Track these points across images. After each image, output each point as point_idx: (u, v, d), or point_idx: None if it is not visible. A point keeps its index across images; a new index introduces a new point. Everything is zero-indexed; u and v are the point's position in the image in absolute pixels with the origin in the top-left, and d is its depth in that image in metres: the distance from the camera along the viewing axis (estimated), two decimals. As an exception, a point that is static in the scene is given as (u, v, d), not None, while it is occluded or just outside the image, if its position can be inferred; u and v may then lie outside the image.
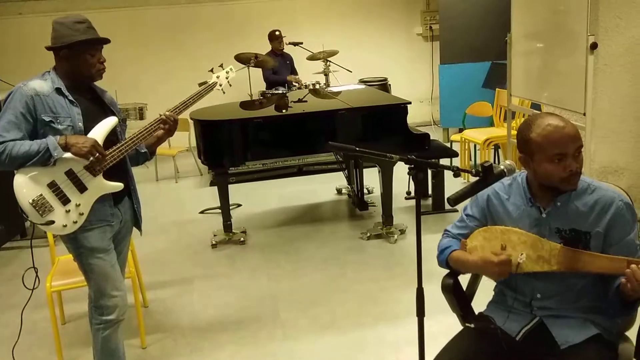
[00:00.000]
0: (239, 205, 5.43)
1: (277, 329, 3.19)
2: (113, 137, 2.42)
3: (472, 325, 1.93)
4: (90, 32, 2.32)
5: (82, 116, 2.33)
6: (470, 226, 1.95)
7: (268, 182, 6.25)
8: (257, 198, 5.67)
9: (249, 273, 3.96)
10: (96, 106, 2.45)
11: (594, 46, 3.60)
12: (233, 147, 4.18)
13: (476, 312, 2.03)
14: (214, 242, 4.47)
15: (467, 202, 1.94)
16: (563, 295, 1.81)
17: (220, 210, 4.55)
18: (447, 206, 4.86)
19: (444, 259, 1.97)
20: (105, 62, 2.40)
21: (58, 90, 2.31)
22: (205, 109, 4.71)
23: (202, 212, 5.30)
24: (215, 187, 4.56)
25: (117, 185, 2.40)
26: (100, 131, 2.35)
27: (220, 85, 2.78)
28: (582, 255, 1.67)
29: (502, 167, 1.79)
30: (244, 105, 5.00)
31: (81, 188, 2.30)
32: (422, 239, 1.68)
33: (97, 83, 2.48)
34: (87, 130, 2.33)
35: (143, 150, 2.57)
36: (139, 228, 2.71)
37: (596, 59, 3.91)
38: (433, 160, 4.36)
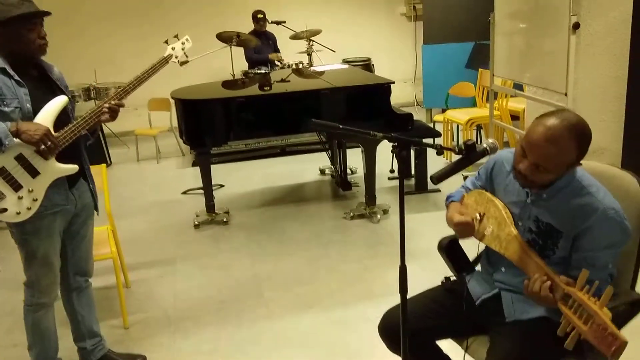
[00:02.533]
0: (222, 185, 5.40)
1: (261, 308, 3.20)
2: (64, 117, 2.30)
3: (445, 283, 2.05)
4: (25, 6, 2.15)
5: (29, 97, 2.21)
6: (476, 184, 2.03)
7: (251, 162, 6.22)
8: (240, 179, 5.64)
9: (232, 253, 3.96)
10: (44, 85, 2.32)
11: (576, 26, 3.61)
12: (215, 126, 4.13)
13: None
14: (196, 223, 4.45)
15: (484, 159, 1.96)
16: (525, 275, 1.82)
17: (202, 191, 4.52)
18: (430, 186, 4.89)
19: (446, 205, 2.06)
20: (47, 36, 2.24)
21: (3, 71, 2.17)
22: (187, 88, 4.65)
23: (184, 193, 5.26)
24: (198, 168, 4.52)
25: (72, 168, 2.30)
26: (49, 112, 2.23)
27: (176, 58, 2.61)
28: (525, 252, 1.67)
29: (484, 145, 1.79)
30: (226, 84, 4.94)
31: (33, 173, 2.20)
32: (405, 218, 1.68)
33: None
34: (35, 111, 2.21)
35: (84, 132, 2.40)
36: (96, 209, 2.60)
37: (578, 39, 3.92)
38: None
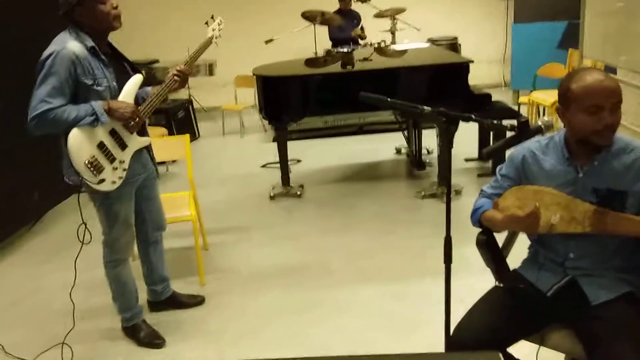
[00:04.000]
0: (299, 160, 5.59)
1: (324, 277, 3.35)
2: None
3: (502, 285, 1.97)
4: None
5: (114, 75, 2.43)
6: (504, 186, 1.97)
7: (329, 139, 6.35)
8: (317, 155, 5.80)
9: (303, 225, 4.13)
10: (119, 62, 2.54)
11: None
12: (292, 102, 4.29)
13: (510, 269, 2.05)
14: (272, 195, 4.67)
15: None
16: (597, 255, 1.82)
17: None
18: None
19: (476, 218, 2.01)
20: (119, 7, 2.39)
21: (93, 50, 2.35)
22: (268, 65, 4.84)
23: (263, 166, 5.51)
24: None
25: (147, 140, 2.59)
26: (130, 90, 2.46)
27: (216, 38, 2.76)
28: (614, 217, 1.66)
29: (539, 123, 1.79)
30: (308, 62, 5.07)
31: (123, 145, 2.46)
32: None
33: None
34: (119, 88, 2.44)
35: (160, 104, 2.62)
36: (157, 173, 2.85)
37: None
38: (495, 121, 4.27)
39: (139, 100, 2.53)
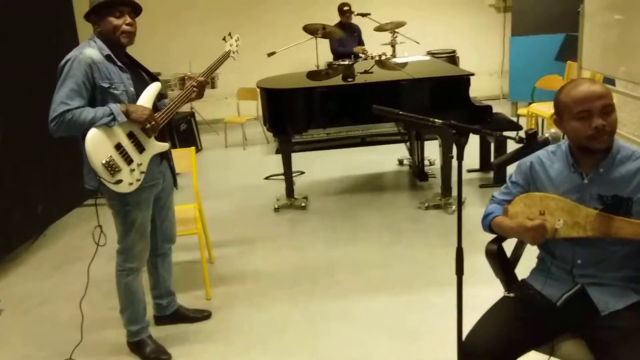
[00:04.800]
0: (302, 172, 5.62)
1: (330, 288, 3.36)
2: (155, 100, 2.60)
3: (512, 295, 1.98)
4: None
5: (131, 81, 2.50)
6: (513, 192, 2.01)
7: (332, 151, 6.40)
8: (320, 166, 5.84)
9: (308, 236, 4.15)
10: (136, 70, 2.61)
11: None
12: (296, 115, 4.33)
13: (519, 279, 2.08)
14: (276, 207, 4.69)
15: (513, 167, 2.00)
16: (604, 263, 1.85)
17: (283, 177, 4.74)
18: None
19: (487, 224, 2.04)
20: (133, 25, 2.45)
21: (108, 57, 2.43)
22: (272, 77, 4.88)
23: (267, 178, 5.53)
24: (280, 155, 4.74)
25: (165, 145, 2.63)
26: (148, 96, 2.54)
27: (234, 53, 2.89)
28: (617, 221, 1.69)
29: (547, 135, 1.82)
30: (310, 75, 5.12)
31: (140, 149, 2.50)
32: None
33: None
34: (137, 94, 2.51)
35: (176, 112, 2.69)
36: (176, 184, 2.91)
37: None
38: (504, 133, 4.31)
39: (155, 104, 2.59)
